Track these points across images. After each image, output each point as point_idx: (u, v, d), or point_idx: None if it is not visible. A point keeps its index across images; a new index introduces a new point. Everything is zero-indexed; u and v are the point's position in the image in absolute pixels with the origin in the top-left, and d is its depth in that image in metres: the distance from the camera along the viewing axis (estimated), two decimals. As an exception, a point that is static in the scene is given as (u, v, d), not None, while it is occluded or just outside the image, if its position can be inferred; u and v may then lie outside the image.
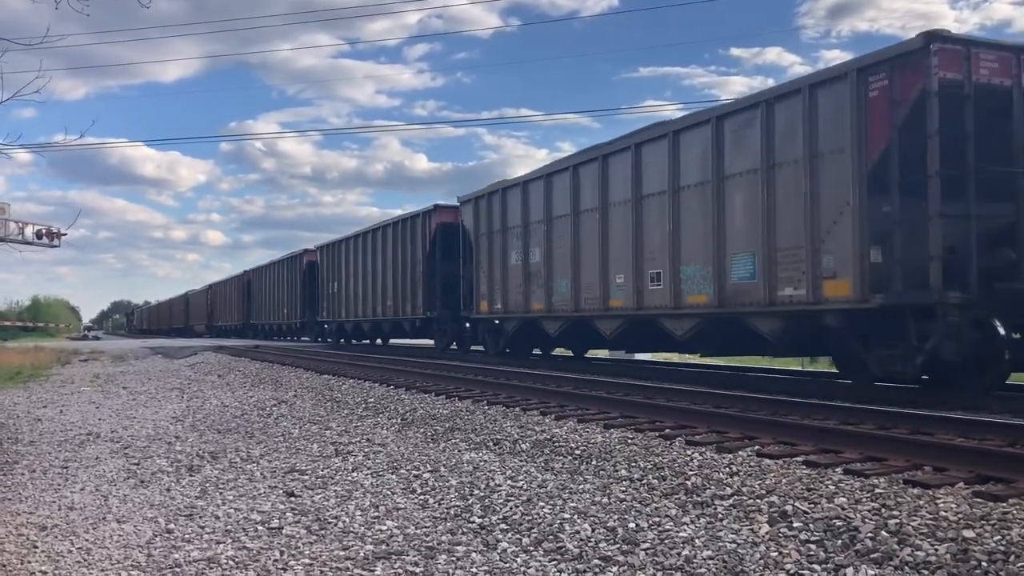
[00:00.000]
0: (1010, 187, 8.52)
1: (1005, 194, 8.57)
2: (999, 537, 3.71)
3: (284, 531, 4.74)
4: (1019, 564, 3.44)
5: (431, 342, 22.83)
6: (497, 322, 17.68)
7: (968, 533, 3.78)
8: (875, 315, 8.83)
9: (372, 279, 24.66)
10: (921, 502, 4.35)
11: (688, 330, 11.62)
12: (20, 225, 35.30)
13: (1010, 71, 8.66)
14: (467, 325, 19.63)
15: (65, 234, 32.49)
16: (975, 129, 8.40)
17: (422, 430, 8.18)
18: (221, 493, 5.81)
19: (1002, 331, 8.34)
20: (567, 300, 14.45)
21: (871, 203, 8.75)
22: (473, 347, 19.92)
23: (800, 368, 15.26)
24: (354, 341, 28.75)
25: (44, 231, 35.71)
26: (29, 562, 4.27)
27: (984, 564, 3.47)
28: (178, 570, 4.08)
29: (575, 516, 4.68)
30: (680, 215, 11.64)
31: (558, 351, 18.66)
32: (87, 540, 4.69)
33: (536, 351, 18.05)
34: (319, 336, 32.14)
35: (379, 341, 27.09)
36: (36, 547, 4.56)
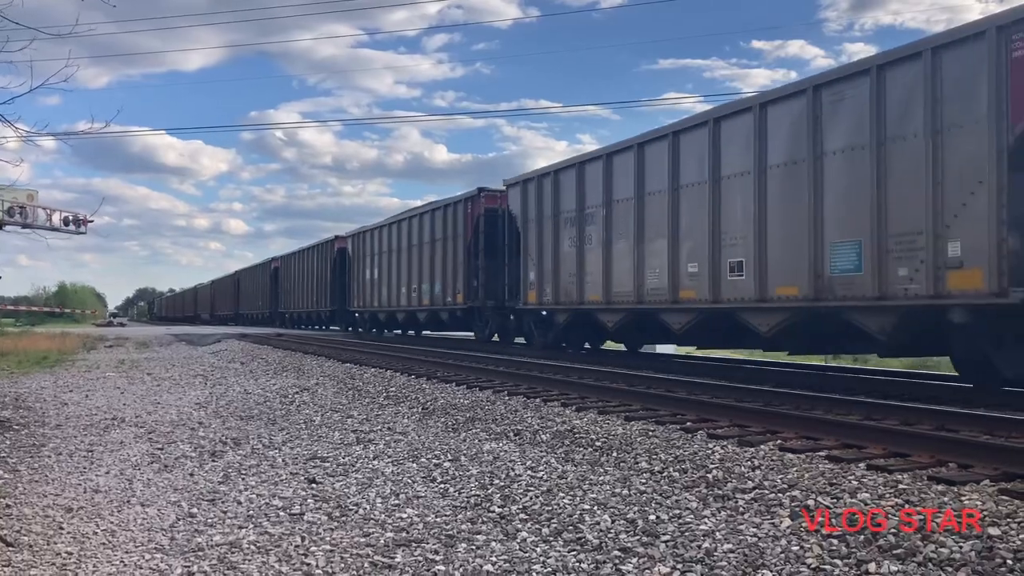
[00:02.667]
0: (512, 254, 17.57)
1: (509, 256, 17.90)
2: (1025, 535, 3.66)
3: (305, 517, 4.77)
4: (1046, 563, 3.39)
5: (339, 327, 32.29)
6: (363, 313, 28.29)
7: (993, 531, 3.74)
8: (472, 311, 19.47)
9: (305, 282, 34.76)
10: (946, 499, 4.30)
11: (424, 318, 22.57)
12: (48, 212, 35.65)
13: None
14: (356, 315, 29.55)
15: (92, 220, 32.83)
16: (506, 229, 17.86)
17: (443, 419, 8.21)
18: (243, 479, 5.87)
19: (512, 319, 18.16)
20: (384, 300, 25.14)
21: (468, 261, 18.99)
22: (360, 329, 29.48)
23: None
24: (304, 327, 36.40)
25: (71, 217, 36.06)
26: (55, 543, 4.33)
27: (1009, 562, 3.43)
28: (200, 554, 4.12)
29: (595, 507, 4.68)
30: (423, 258, 22.03)
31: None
32: (112, 523, 4.76)
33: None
34: (280, 323, 39.98)
35: (326, 328, 34.68)
36: (62, 528, 4.62)
